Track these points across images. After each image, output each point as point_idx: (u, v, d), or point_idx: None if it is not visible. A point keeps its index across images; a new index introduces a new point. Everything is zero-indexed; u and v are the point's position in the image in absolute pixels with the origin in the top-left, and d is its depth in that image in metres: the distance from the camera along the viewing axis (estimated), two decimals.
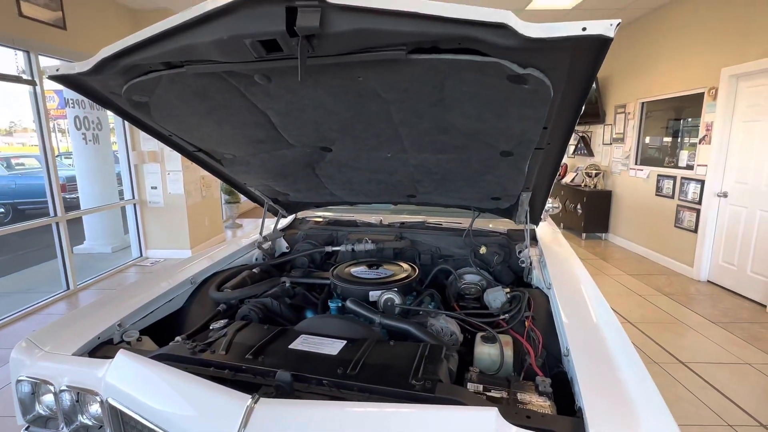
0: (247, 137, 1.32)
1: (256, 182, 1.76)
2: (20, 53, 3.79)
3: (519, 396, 1.03)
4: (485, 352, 1.23)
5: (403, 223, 2.22)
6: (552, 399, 1.02)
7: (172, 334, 1.35)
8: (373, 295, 1.50)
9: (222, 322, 1.25)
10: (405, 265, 1.71)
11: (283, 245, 2.22)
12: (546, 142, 1.19)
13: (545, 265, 1.71)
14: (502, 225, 2.21)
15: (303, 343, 1.15)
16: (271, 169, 1.59)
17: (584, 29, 0.71)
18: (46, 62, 4.13)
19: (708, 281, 4.36)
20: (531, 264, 1.76)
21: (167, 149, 5.33)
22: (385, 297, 1.45)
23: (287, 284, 1.63)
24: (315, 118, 1.17)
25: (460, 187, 1.58)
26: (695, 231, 4.42)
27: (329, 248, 2.01)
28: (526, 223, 1.79)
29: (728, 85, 4.02)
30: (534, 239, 2.07)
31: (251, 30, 0.80)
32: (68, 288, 4.27)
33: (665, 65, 4.96)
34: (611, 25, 0.71)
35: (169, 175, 5.40)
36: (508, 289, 1.55)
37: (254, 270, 1.74)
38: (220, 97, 1.09)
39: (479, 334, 1.30)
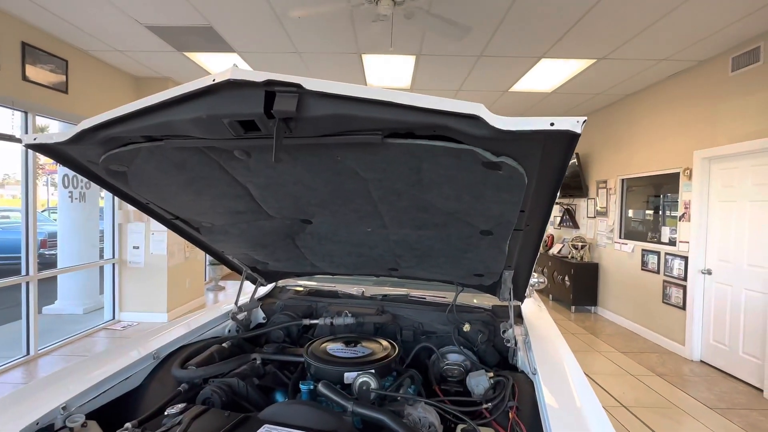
0: (226, 208, 1.30)
1: (235, 251, 1.72)
2: (17, 113, 3.88)
3: None
4: None
5: (385, 295, 2.16)
6: None
7: (124, 418, 1.22)
8: (348, 377, 1.40)
9: (179, 407, 1.14)
10: (385, 343, 1.62)
11: (259, 316, 2.12)
12: (525, 224, 1.19)
13: (530, 346, 1.64)
14: (486, 301, 2.16)
15: None
16: (250, 239, 1.56)
17: (552, 124, 0.73)
18: (43, 122, 4.23)
19: (701, 361, 4.23)
20: (516, 344, 1.69)
21: None
22: (360, 380, 1.35)
23: (258, 361, 1.52)
24: (294, 192, 1.16)
25: (441, 263, 1.56)
26: (683, 308, 4.38)
27: (307, 321, 1.91)
28: (510, 300, 1.74)
29: (701, 167, 4.22)
30: (519, 317, 2.01)
31: (230, 110, 0.81)
32: (28, 353, 3.98)
33: (642, 145, 5.25)
34: (578, 122, 0.73)
35: (153, 235, 5.32)
36: (491, 373, 1.46)
37: (224, 344, 1.64)
38: (199, 169, 1.09)
39: (460, 427, 1.20)
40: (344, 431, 1.09)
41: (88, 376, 1.27)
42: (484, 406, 1.30)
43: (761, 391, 3.51)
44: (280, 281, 2.25)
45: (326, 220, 1.33)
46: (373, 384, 1.34)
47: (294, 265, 1.84)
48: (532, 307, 2.19)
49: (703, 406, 3.30)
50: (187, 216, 1.41)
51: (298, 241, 1.55)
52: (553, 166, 0.89)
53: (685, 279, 4.37)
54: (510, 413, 1.24)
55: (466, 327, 1.88)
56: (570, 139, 0.76)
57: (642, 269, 5.11)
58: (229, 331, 1.89)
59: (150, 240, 5.31)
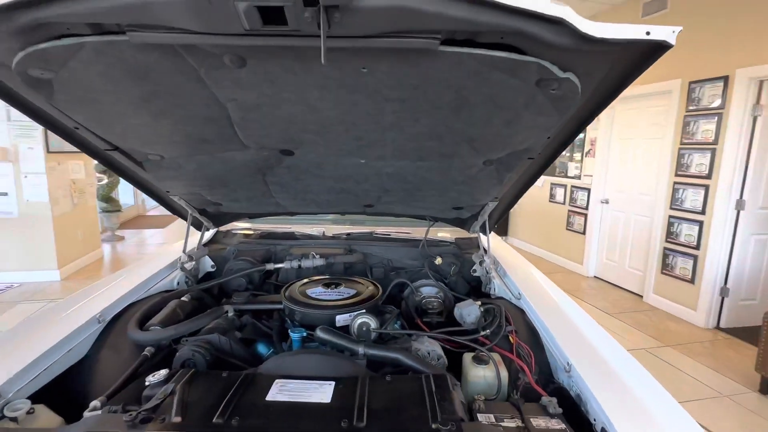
0: (189, 135, 1.04)
1: (183, 190, 1.44)
2: None
3: (534, 422, 0.96)
4: (480, 375, 1.13)
5: (349, 234, 2.04)
6: (564, 420, 0.97)
7: (77, 397, 1.00)
8: (340, 319, 1.30)
9: (161, 374, 0.95)
10: (364, 281, 1.55)
11: (207, 264, 1.88)
12: (538, 152, 1.15)
13: (505, 273, 1.70)
14: (448, 234, 2.17)
15: (282, 392, 0.91)
16: (209, 175, 1.30)
17: (648, 33, 0.66)
18: None
19: (595, 276, 4.99)
20: (490, 273, 1.74)
21: (23, 144, 4.29)
22: (360, 321, 1.26)
23: (230, 313, 1.34)
24: (290, 115, 0.95)
25: (428, 196, 1.48)
26: (584, 233, 5.04)
27: (271, 266, 1.74)
28: (487, 233, 1.77)
29: (608, 107, 4.66)
30: (484, 249, 2.07)
31: None
32: None
33: None
34: (673, 32, 0.66)
35: (26, 178, 4.36)
36: (479, 302, 1.48)
37: (183, 298, 1.41)
38: (166, 80, 0.81)
39: (468, 355, 1.20)
40: (362, 375, 1.01)
41: (20, 352, 0.99)
42: (482, 333, 1.32)
43: (641, 296, 4.29)
44: (224, 226, 1.99)
45: (314, 150, 1.14)
46: (373, 324, 1.27)
47: (254, 205, 1.61)
48: (493, 239, 2.25)
49: (600, 311, 3.93)
50: (131, 146, 1.10)
51: (269, 177, 1.33)
52: (609, 86, 0.83)
53: (586, 208, 4.97)
54: (510, 337, 1.28)
55: (438, 260, 1.88)
56: (657, 51, 0.70)
57: (550, 201, 5.69)
58: (179, 283, 1.63)
59: (23, 184, 4.35)
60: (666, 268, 3.88)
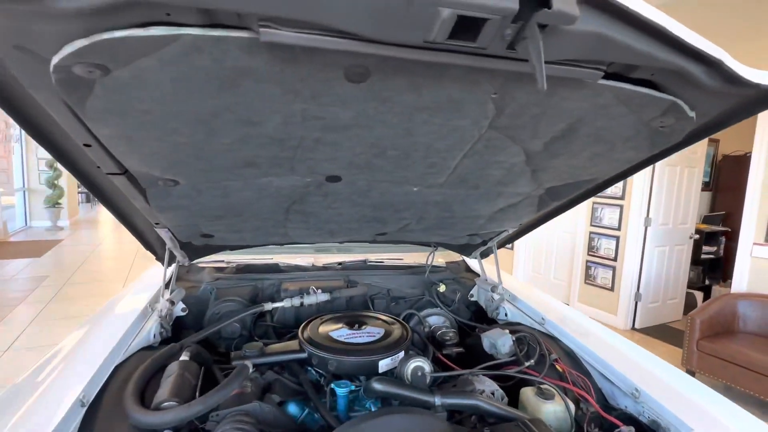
0: (238, 158, 0.84)
1: (181, 222, 1.17)
2: None
3: None
4: (551, 411, 1.08)
5: (341, 263, 1.88)
6: None
7: None
8: (383, 365, 1.16)
9: None
10: (384, 317, 1.42)
11: (177, 309, 1.56)
12: (598, 182, 1.16)
13: (515, 298, 1.70)
14: (440, 258, 2.12)
15: None
16: (227, 205, 1.08)
17: None
18: None
19: None
20: (501, 299, 1.72)
21: None
22: (414, 365, 1.13)
23: (251, 370, 1.11)
24: (377, 139, 0.83)
25: (457, 223, 1.41)
26: (512, 248, 5.42)
27: (269, 305, 1.50)
28: (496, 258, 1.75)
29: None
30: (471, 271, 2.06)
31: None
32: None
33: None
34: None
35: None
36: (507, 330, 1.45)
37: (183, 357, 1.13)
38: (257, 91, 0.64)
39: (528, 390, 1.15)
40: (446, 430, 0.89)
41: None
42: (527, 364, 1.28)
43: (568, 304, 4.71)
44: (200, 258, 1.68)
45: (370, 176, 1.01)
46: (427, 368, 1.15)
47: (256, 236, 1.39)
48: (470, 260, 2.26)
49: None
50: (147, 170, 0.85)
51: (297, 205, 1.15)
52: (707, 128, 0.87)
53: None
54: (556, 365, 1.26)
55: (442, 287, 1.82)
56: None
57: None
58: (155, 336, 1.32)
59: None
60: (588, 278, 4.33)
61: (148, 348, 1.24)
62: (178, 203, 1.01)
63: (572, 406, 1.10)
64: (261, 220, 1.22)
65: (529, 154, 0.95)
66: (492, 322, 1.72)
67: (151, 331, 1.28)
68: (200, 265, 1.78)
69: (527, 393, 1.14)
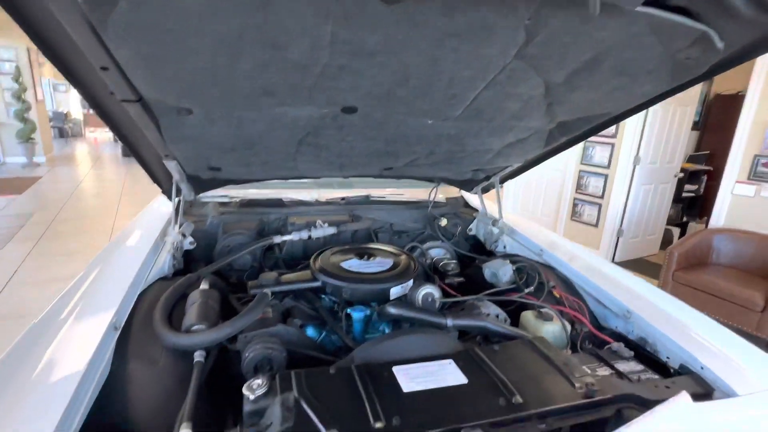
0: (256, 85, 0.82)
1: (190, 153, 1.15)
2: None
3: (621, 368, 1.04)
4: (549, 331, 1.18)
5: (344, 198, 1.89)
6: (640, 362, 1.08)
7: (130, 429, 0.79)
8: (395, 292, 1.23)
9: (260, 383, 0.78)
10: (389, 248, 1.47)
11: (185, 242, 1.58)
12: (613, 116, 1.17)
13: (514, 231, 1.77)
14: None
15: (412, 380, 0.84)
16: (240, 136, 1.06)
17: None
18: None
19: None
20: (501, 232, 1.78)
21: None
22: (424, 292, 1.20)
23: (270, 297, 1.16)
24: (402, 66, 0.81)
25: (465, 158, 1.42)
26: (501, 186, 5.48)
27: (278, 238, 1.53)
28: (498, 193, 1.79)
29: None
30: (469, 206, 2.11)
31: None
32: None
33: None
34: None
35: None
36: (507, 261, 1.53)
37: (203, 286, 1.17)
38: (289, 8, 0.61)
39: (529, 314, 1.24)
40: (467, 349, 0.98)
41: (48, 389, 0.73)
42: (527, 291, 1.37)
43: None
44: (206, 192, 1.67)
45: (387, 108, 0.99)
46: (436, 294, 1.22)
47: (266, 170, 1.38)
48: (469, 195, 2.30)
49: None
50: (164, 96, 0.83)
51: (310, 138, 1.14)
52: (727, 62, 0.86)
53: None
54: (554, 292, 1.35)
55: (444, 221, 1.87)
56: None
57: None
58: (169, 267, 1.35)
59: None
60: (575, 215, 4.48)
61: (164, 279, 1.28)
62: (190, 134, 0.99)
63: (568, 327, 1.20)
64: (272, 152, 1.20)
65: (549, 86, 0.94)
66: (491, 255, 1.81)
67: (165, 262, 1.31)
68: (204, 200, 1.78)
69: (527, 316, 1.24)
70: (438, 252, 1.76)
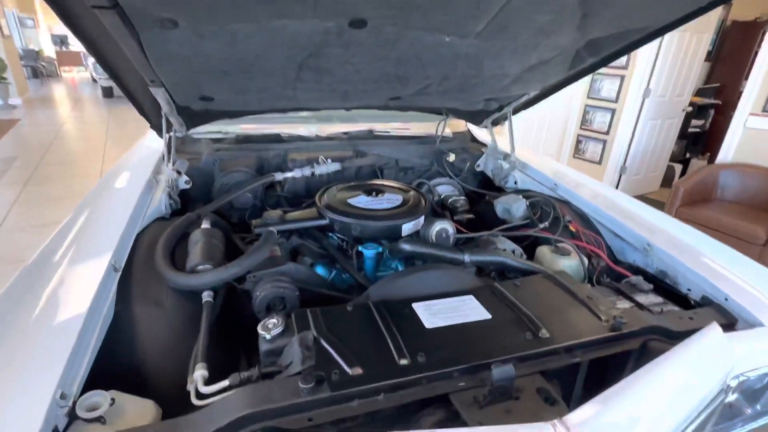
0: None
1: (177, 78, 1.03)
2: None
3: (641, 301, 1.02)
4: (566, 266, 1.14)
5: (347, 133, 1.78)
6: (659, 295, 1.05)
7: (127, 373, 0.76)
8: (406, 229, 1.17)
9: (276, 322, 0.74)
10: (399, 185, 1.40)
11: (180, 181, 1.49)
12: (648, 32, 1.05)
13: (525, 166, 1.69)
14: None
15: (433, 316, 0.80)
16: (234, 55, 0.93)
17: None
18: None
19: None
20: (509, 167, 1.70)
21: None
22: (439, 228, 1.15)
23: (276, 235, 1.10)
24: None
25: (479, 84, 1.30)
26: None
27: (280, 175, 1.45)
28: (510, 125, 1.69)
29: None
30: (476, 141, 2.00)
31: None
32: None
33: None
34: None
35: None
36: (520, 196, 1.46)
37: (204, 225, 1.10)
38: None
39: (545, 249, 1.20)
40: (486, 284, 0.94)
41: (51, 328, 0.68)
42: (541, 226, 1.32)
43: None
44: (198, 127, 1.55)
45: (402, 21, 0.87)
46: (451, 229, 1.17)
47: (262, 99, 1.26)
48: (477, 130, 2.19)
49: None
50: (142, 2, 0.69)
51: (312, 59, 1.01)
52: None
53: None
54: (570, 226, 1.30)
55: (452, 157, 1.78)
56: None
57: None
58: (166, 207, 1.27)
59: None
60: (578, 152, 4.38)
61: (162, 219, 1.21)
62: (177, 52, 0.87)
63: (585, 261, 1.17)
64: (269, 78, 1.08)
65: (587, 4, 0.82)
66: (500, 191, 1.74)
67: (161, 201, 1.24)
68: (195, 136, 1.66)
69: (544, 251, 1.20)
70: (446, 189, 1.69)
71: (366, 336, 0.73)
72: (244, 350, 0.96)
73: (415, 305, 0.83)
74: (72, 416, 0.59)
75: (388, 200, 1.25)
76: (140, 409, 0.66)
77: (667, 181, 4.51)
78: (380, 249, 1.12)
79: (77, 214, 1.10)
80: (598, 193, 1.42)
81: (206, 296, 0.87)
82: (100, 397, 0.62)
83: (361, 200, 1.24)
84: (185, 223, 1.09)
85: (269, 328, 0.73)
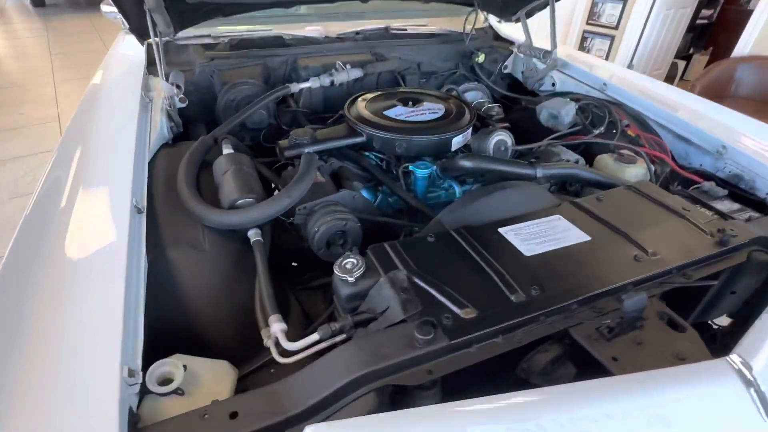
0: None
1: None
2: None
3: (720, 208, 0.94)
4: (633, 174, 1.04)
5: (358, 32, 1.52)
6: (734, 201, 0.98)
7: (180, 329, 0.66)
8: (456, 142, 1.03)
9: (355, 262, 0.63)
10: (435, 93, 1.22)
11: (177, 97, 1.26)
12: None
13: (566, 64, 1.51)
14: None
15: (526, 242, 0.70)
16: None
17: None
18: None
19: None
20: (545, 68, 1.51)
21: None
22: (497, 139, 1.01)
23: (317, 158, 0.95)
24: None
25: None
26: None
27: (295, 86, 1.23)
28: (553, 16, 1.46)
29: None
30: (500, 38, 1.77)
31: None
32: None
33: None
34: None
35: None
36: (567, 99, 1.31)
37: (226, 149, 0.93)
38: None
39: (606, 157, 1.09)
40: (566, 201, 0.83)
41: (94, 290, 0.55)
42: (596, 132, 1.19)
43: None
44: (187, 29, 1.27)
45: None
46: (509, 141, 1.03)
47: None
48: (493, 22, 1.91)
49: None
50: None
51: None
52: None
53: None
54: (629, 131, 1.18)
55: (481, 57, 1.57)
56: None
57: None
58: (168, 131, 1.08)
59: None
60: (582, 50, 4.09)
61: (166, 145, 1.02)
62: None
63: (653, 168, 1.07)
64: None
65: None
66: (533, 95, 1.57)
67: (162, 125, 1.04)
68: (180, 42, 1.38)
69: (606, 159, 1.08)
70: (475, 95, 1.51)
71: (462, 271, 0.63)
72: (292, 291, 0.86)
73: (501, 230, 0.72)
74: (143, 392, 0.49)
75: (430, 110, 1.08)
76: (216, 372, 0.56)
77: (670, 78, 4.33)
78: (433, 168, 0.98)
79: (66, 147, 0.91)
80: (656, 92, 1.27)
81: (254, 235, 0.74)
82: (171, 366, 0.52)
83: (399, 111, 1.07)
84: (202, 149, 0.92)
85: (348, 269, 0.61)
